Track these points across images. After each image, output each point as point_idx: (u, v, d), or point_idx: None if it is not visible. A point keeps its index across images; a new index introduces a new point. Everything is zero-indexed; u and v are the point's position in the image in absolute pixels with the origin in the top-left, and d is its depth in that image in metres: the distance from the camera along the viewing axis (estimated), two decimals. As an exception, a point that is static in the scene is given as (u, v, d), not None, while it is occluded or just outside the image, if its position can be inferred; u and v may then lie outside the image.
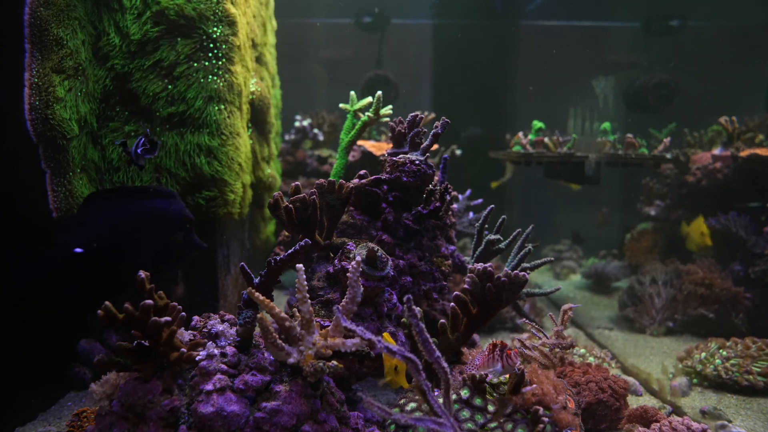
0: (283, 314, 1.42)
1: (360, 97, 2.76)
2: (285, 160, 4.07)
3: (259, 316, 1.44)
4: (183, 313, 1.46)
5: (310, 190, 1.93)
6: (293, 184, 1.93)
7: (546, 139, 3.67)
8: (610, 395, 1.90)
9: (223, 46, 2.27)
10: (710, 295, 3.19)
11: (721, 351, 2.53)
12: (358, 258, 1.44)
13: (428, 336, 1.21)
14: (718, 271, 3.35)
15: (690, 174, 3.80)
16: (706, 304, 3.19)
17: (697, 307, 3.19)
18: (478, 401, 1.48)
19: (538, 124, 3.75)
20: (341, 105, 2.76)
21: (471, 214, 3.27)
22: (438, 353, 1.20)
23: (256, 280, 1.54)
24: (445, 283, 2.19)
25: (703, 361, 2.51)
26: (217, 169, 2.28)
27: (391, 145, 2.31)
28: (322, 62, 5.99)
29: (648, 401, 2.31)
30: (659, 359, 2.83)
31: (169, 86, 2.21)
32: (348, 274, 1.44)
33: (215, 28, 2.24)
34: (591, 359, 2.61)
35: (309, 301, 1.45)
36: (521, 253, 2.38)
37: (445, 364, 1.21)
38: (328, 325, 1.49)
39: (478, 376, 1.50)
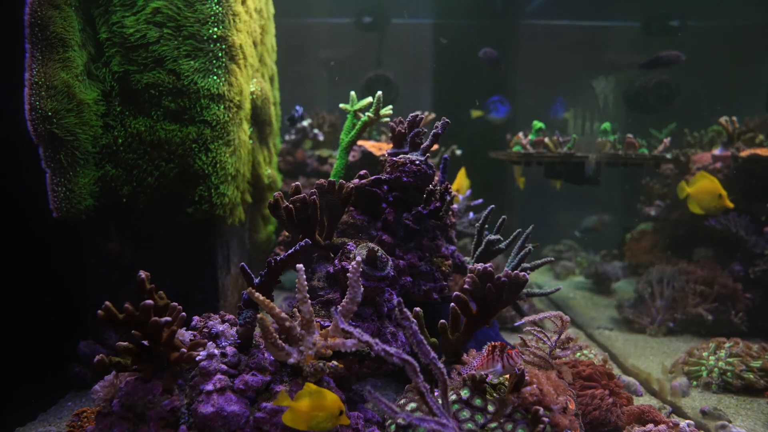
0: (283, 314, 1.42)
1: (360, 97, 2.76)
2: (285, 160, 4.07)
3: (259, 316, 1.45)
4: (183, 314, 1.46)
5: (310, 190, 1.93)
6: (293, 184, 1.93)
7: (546, 140, 3.67)
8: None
9: (224, 46, 2.27)
10: (710, 293, 3.19)
11: (720, 353, 2.53)
12: (359, 258, 1.44)
13: (422, 338, 1.21)
14: (718, 271, 3.35)
15: (690, 174, 3.80)
16: (706, 302, 3.19)
17: (696, 305, 3.19)
18: (478, 401, 1.48)
19: (538, 124, 3.75)
20: (341, 105, 2.76)
21: (471, 214, 3.27)
22: (433, 354, 1.20)
23: (256, 280, 1.54)
24: (445, 283, 2.19)
25: (704, 365, 2.51)
26: (216, 166, 2.28)
27: (391, 145, 2.31)
28: (323, 62, 5.99)
29: (648, 401, 2.31)
30: (659, 359, 2.83)
31: (170, 85, 2.21)
32: (348, 274, 1.44)
33: (215, 28, 2.24)
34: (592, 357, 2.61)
35: (309, 301, 1.45)
36: (521, 254, 2.37)
37: (440, 365, 1.21)
38: (328, 325, 1.49)
39: (478, 376, 1.50)
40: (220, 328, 1.58)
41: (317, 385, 1.48)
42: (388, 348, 1.15)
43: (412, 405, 1.51)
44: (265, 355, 1.51)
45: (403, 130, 2.23)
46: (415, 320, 1.25)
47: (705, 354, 2.56)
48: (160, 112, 2.22)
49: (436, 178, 2.33)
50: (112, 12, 2.16)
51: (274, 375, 1.48)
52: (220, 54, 2.26)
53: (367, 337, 1.17)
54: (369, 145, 3.48)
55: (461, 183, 3.63)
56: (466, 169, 3.88)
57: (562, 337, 1.86)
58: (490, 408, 1.47)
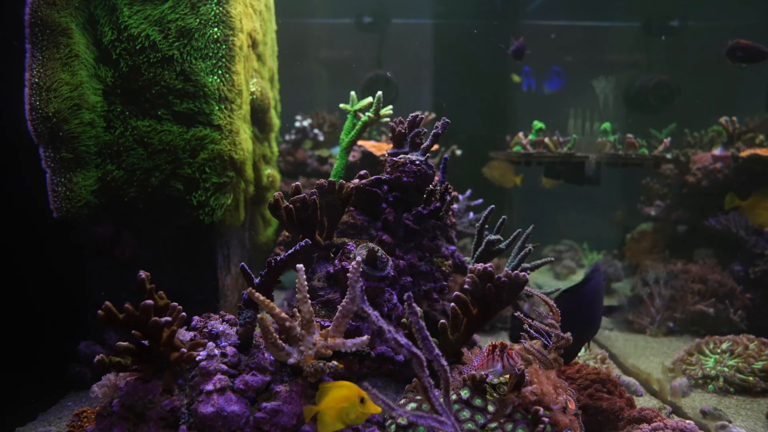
0: (283, 314, 1.42)
1: (360, 97, 2.76)
2: (285, 160, 4.07)
3: (259, 316, 1.44)
4: (183, 314, 1.46)
5: (310, 190, 1.93)
6: (293, 184, 1.93)
7: (546, 140, 3.67)
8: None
9: (224, 47, 2.27)
10: (706, 291, 3.20)
11: (719, 352, 2.53)
12: (359, 258, 1.44)
13: (428, 333, 1.21)
14: (718, 271, 3.35)
15: (690, 174, 3.80)
16: (704, 299, 3.19)
17: (695, 304, 3.20)
18: (478, 401, 1.48)
19: (538, 124, 3.75)
20: (341, 105, 2.76)
21: (471, 215, 3.27)
22: (437, 350, 1.20)
23: (257, 281, 1.54)
24: (445, 283, 2.19)
25: (703, 367, 2.51)
26: (216, 166, 2.28)
27: (391, 146, 2.31)
28: (323, 62, 5.99)
29: (648, 402, 2.31)
30: (659, 359, 2.83)
31: (172, 87, 2.21)
32: (348, 275, 1.44)
33: (215, 29, 2.24)
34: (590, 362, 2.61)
35: (309, 301, 1.45)
36: (521, 254, 2.37)
37: (444, 362, 1.21)
38: (328, 325, 1.49)
39: (478, 376, 1.50)
40: (220, 328, 1.58)
41: (317, 386, 1.48)
42: (399, 338, 1.14)
43: (413, 405, 1.51)
44: (265, 355, 1.51)
45: (403, 130, 2.23)
46: (421, 315, 1.25)
47: (704, 355, 2.56)
48: (162, 113, 2.22)
49: (436, 178, 2.33)
50: (117, 13, 2.16)
51: (274, 375, 1.48)
52: (220, 54, 2.26)
53: (382, 323, 1.16)
54: (369, 145, 3.48)
55: None
56: (466, 169, 3.88)
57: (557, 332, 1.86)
58: (490, 408, 1.47)
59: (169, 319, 1.38)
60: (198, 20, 2.22)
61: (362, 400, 1.30)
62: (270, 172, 3.12)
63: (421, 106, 5.52)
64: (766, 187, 3.39)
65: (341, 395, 1.30)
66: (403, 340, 1.14)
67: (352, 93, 2.76)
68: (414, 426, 1.45)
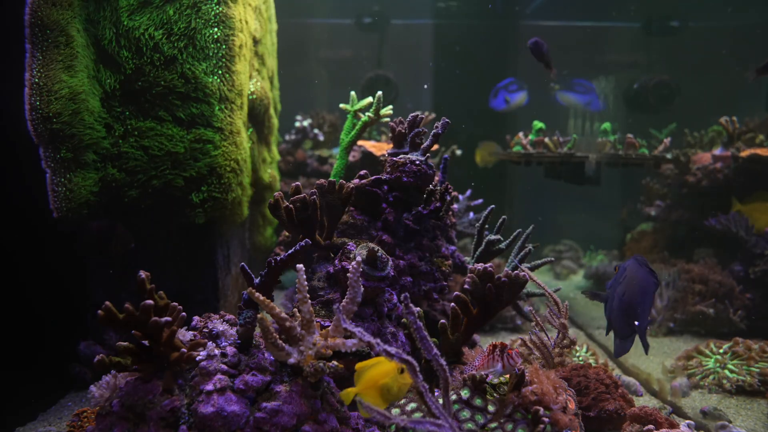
0: (283, 314, 1.42)
1: (360, 97, 2.76)
2: (285, 160, 4.07)
3: (259, 316, 1.44)
4: (183, 314, 1.46)
5: (310, 190, 1.93)
6: (293, 184, 1.93)
7: (546, 140, 3.67)
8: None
9: (224, 47, 2.27)
10: (706, 291, 3.20)
11: (720, 353, 2.53)
12: (359, 258, 1.44)
13: (426, 333, 1.21)
14: (718, 271, 3.35)
15: (690, 174, 3.80)
16: (704, 300, 3.19)
17: (695, 304, 3.20)
18: (478, 401, 1.48)
19: (538, 124, 3.75)
20: (341, 105, 2.76)
21: (471, 215, 3.28)
22: (436, 350, 1.20)
23: (257, 280, 1.54)
24: (445, 283, 2.19)
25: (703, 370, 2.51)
26: (217, 167, 2.28)
27: (391, 146, 2.31)
28: (323, 62, 6.00)
29: (648, 402, 2.31)
30: (659, 359, 2.83)
31: (173, 88, 2.21)
32: (348, 275, 1.44)
33: (216, 29, 2.24)
34: (591, 361, 2.61)
35: (309, 301, 1.45)
36: (521, 254, 2.38)
37: (443, 362, 1.21)
38: (328, 325, 1.49)
39: (478, 376, 1.50)
40: (221, 328, 1.58)
41: (317, 386, 1.48)
42: (389, 348, 1.15)
43: (413, 405, 1.51)
44: (265, 355, 1.51)
45: (403, 130, 2.24)
46: (419, 315, 1.25)
47: (705, 356, 2.56)
48: (162, 114, 2.22)
49: (436, 178, 2.33)
50: (118, 14, 2.16)
51: (274, 375, 1.48)
52: (221, 54, 2.26)
53: (368, 338, 1.17)
54: (369, 145, 3.48)
55: None
56: (466, 169, 3.88)
57: (563, 329, 1.86)
58: (491, 408, 1.47)
59: (169, 319, 1.37)
60: (199, 20, 2.22)
61: (402, 371, 1.23)
62: (270, 172, 3.12)
63: (421, 106, 5.52)
64: (766, 189, 3.39)
65: (380, 371, 1.23)
66: (393, 350, 1.14)
67: (352, 93, 2.76)
68: (413, 430, 1.45)
